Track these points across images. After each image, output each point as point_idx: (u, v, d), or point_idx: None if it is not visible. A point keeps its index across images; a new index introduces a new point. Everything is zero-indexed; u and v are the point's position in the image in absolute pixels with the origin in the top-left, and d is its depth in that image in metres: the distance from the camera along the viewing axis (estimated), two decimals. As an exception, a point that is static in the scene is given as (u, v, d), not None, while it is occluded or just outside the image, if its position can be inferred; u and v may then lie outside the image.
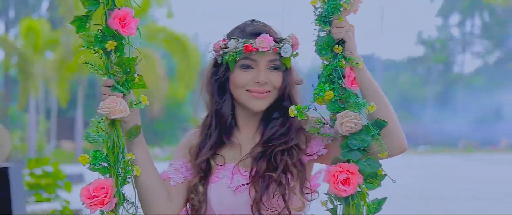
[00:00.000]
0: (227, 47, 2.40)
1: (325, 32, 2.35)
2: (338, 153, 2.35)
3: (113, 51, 2.28)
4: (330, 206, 2.36)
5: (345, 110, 2.31)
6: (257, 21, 2.45)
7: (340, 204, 2.33)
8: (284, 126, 2.43)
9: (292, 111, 2.33)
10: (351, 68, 2.33)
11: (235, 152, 2.47)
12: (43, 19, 33.31)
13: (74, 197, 2.37)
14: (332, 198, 2.34)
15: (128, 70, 2.29)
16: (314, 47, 2.36)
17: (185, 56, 26.39)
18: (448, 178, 21.21)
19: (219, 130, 2.46)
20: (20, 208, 4.92)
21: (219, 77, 2.44)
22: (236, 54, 2.39)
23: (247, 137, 2.48)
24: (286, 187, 2.37)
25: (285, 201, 2.37)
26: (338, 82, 2.34)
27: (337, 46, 2.34)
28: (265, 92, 2.41)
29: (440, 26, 59.11)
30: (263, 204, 2.36)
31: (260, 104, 2.42)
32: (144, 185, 2.36)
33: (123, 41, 2.28)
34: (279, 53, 2.41)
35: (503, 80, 53.94)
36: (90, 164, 2.26)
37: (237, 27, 2.45)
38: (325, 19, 2.34)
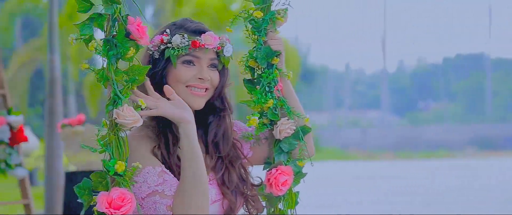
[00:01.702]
0: (171, 42, 2.37)
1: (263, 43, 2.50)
2: (261, 155, 2.56)
3: (118, 58, 2.25)
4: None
5: (279, 117, 2.53)
6: (192, 20, 2.44)
7: (265, 201, 2.57)
8: (221, 127, 2.45)
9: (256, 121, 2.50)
10: (280, 79, 2.53)
11: None
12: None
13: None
14: (259, 196, 2.54)
15: (136, 78, 2.27)
16: (250, 55, 2.50)
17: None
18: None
19: (169, 126, 2.38)
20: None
21: (157, 72, 2.39)
22: (181, 49, 2.36)
23: None
24: (254, 198, 2.50)
25: (256, 210, 2.50)
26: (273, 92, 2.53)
27: (275, 57, 2.51)
28: (205, 89, 2.40)
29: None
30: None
31: (200, 101, 2.40)
32: (204, 187, 2.30)
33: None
34: (217, 53, 2.41)
35: None
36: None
37: (173, 24, 2.42)
38: (265, 30, 2.50)
